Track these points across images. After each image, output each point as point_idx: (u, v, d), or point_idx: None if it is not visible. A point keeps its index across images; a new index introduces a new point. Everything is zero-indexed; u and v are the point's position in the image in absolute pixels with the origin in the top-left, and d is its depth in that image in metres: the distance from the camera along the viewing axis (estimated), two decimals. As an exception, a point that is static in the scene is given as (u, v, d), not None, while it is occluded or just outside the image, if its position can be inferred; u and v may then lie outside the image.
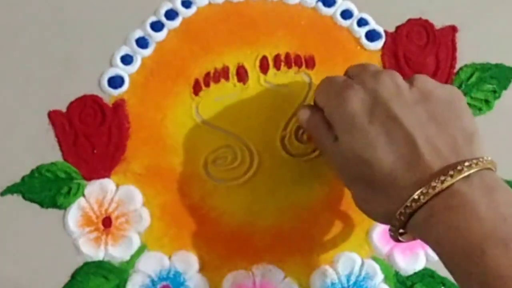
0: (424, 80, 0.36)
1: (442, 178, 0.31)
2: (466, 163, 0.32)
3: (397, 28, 0.45)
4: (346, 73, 0.39)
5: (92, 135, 0.42)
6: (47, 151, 0.42)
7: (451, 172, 0.31)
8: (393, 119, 0.34)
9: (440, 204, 0.31)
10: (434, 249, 0.32)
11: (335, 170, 0.38)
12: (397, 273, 0.40)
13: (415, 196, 0.32)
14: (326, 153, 0.38)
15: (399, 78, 0.36)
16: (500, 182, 0.32)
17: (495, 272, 0.29)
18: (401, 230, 0.34)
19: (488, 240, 0.30)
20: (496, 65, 0.44)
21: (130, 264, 0.40)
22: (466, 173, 0.31)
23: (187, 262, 0.40)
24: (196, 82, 0.44)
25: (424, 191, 0.31)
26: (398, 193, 0.33)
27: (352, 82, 0.36)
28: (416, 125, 0.33)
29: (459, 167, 0.31)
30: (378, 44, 0.45)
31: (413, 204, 0.32)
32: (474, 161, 0.32)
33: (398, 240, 0.35)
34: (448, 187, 0.31)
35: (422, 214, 0.32)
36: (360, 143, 0.34)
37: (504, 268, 0.29)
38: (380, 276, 0.40)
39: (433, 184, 0.31)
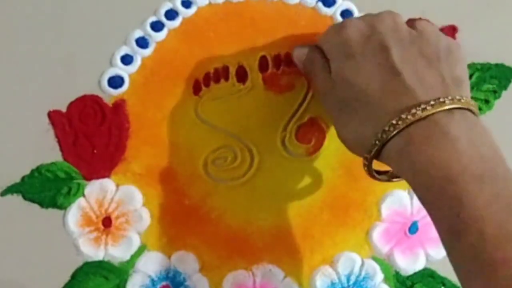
0: (425, 24, 0.37)
1: (423, 106, 0.32)
2: (450, 97, 0.32)
3: (397, 28, 0.45)
4: None
5: (92, 135, 0.42)
6: (47, 151, 0.42)
7: (432, 103, 0.32)
8: (384, 50, 0.34)
9: (418, 133, 0.31)
10: (407, 180, 0.33)
11: (322, 97, 0.38)
12: (397, 273, 0.40)
13: (394, 121, 0.32)
14: (318, 84, 0.38)
15: (399, 17, 0.37)
16: (480, 124, 0.33)
17: (470, 207, 0.29)
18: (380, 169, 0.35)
19: (464, 174, 0.30)
20: (496, 65, 0.44)
21: (130, 264, 0.40)
22: (448, 107, 0.32)
23: (187, 262, 0.40)
24: (196, 82, 0.44)
25: (404, 116, 0.32)
26: (378, 118, 0.33)
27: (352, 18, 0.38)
28: (405, 60, 0.34)
29: (441, 99, 0.32)
30: (378, 44, 0.45)
31: (391, 128, 0.32)
32: (458, 97, 0.32)
33: (373, 176, 0.35)
34: (428, 116, 0.31)
35: (398, 142, 0.32)
36: (350, 69, 0.35)
37: (478, 204, 0.29)
38: (380, 276, 0.40)
39: (413, 111, 0.32)
